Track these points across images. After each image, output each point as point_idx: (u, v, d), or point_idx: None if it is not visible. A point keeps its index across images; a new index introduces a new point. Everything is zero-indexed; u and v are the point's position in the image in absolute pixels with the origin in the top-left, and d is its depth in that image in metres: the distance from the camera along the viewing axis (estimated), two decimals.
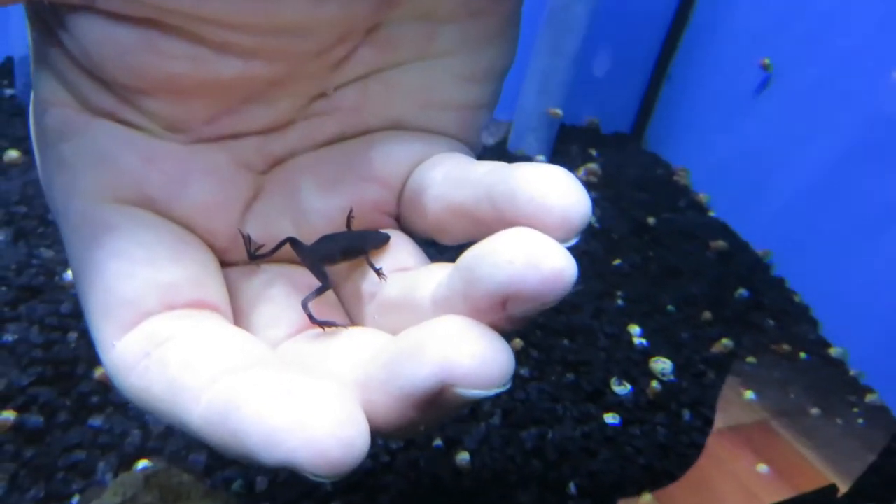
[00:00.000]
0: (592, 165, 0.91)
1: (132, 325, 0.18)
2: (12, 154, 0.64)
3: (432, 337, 0.15)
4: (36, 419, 0.42)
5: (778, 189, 0.81)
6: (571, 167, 0.94)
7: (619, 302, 0.67)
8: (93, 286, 0.19)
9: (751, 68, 0.86)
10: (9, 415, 0.41)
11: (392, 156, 0.23)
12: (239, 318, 0.21)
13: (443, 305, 0.17)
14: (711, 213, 0.90)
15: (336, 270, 0.22)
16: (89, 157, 0.20)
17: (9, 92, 0.75)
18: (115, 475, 0.40)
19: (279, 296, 0.21)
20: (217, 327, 0.18)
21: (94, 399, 0.45)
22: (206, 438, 0.16)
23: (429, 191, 0.21)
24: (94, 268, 0.19)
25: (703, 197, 0.93)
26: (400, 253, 0.22)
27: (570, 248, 0.16)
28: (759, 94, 0.87)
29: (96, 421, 0.43)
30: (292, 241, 0.21)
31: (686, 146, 1.00)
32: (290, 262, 0.22)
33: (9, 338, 0.46)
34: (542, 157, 0.91)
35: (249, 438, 0.14)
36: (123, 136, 0.20)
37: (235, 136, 0.22)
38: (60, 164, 0.20)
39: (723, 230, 0.86)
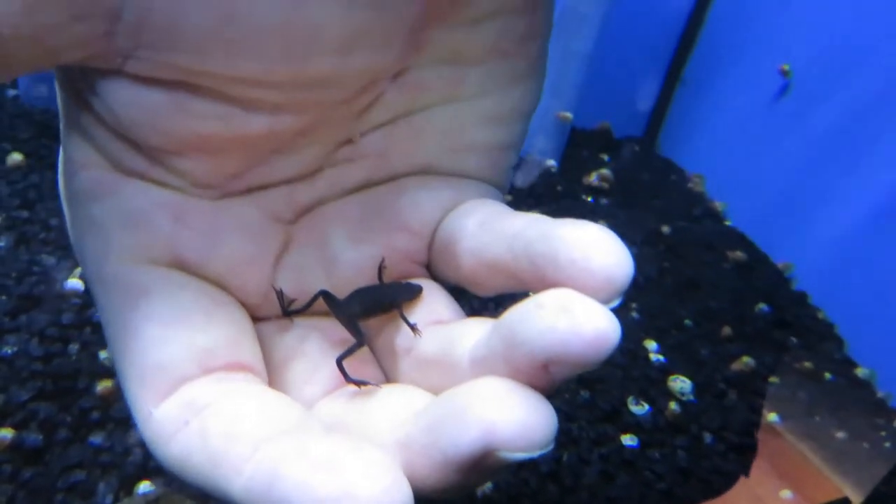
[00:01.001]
0: (604, 171, 0.89)
1: (169, 391, 0.18)
2: (16, 157, 0.63)
3: (475, 400, 0.15)
4: (35, 437, 0.40)
5: (798, 198, 0.79)
6: (583, 172, 0.92)
7: (635, 315, 0.65)
8: (127, 351, 0.19)
9: (770, 73, 0.84)
10: (7, 433, 0.40)
11: (421, 203, 0.23)
12: (273, 375, 0.20)
13: (482, 365, 0.17)
14: (728, 223, 0.88)
15: (370, 324, 0.21)
16: (121, 218, 0.20)
17: (12, 92, 0.73)
18: (116, 498, 0.39)
19: (313, 351, 0.21)
20: (255, 391, 0.18)
21: (95, 415, 0.43)
22: None
23: (462, 243, 0.20)
24: (128, 332, 0.19)
25: (719, 205, 0.91)
26: (434, 304, 0.21)
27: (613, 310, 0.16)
28: (778, 100, 0.85)
29: (97, 438, 0.42)
30: (325, 296, 0.21)
31: (701, 152, 0.98)
32: (323, 314, 0.22)
33: (7, 350, 0.45)
34: (552, 162, 0.89)
35: None
36: (154, 195, 0.20)
37: (263, 188, 0.22)
38: (91, 226, 0.20)
39: (741, 240, 0.84)
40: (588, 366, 0.15)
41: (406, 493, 0.14)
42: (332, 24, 0.17)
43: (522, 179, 0.63)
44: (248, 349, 0.20)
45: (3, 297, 0.49)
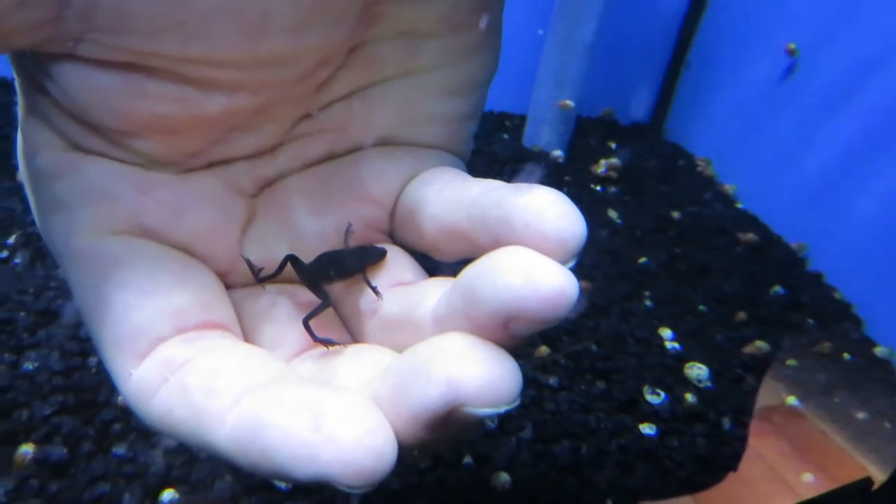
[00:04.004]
0: (613, 160, 0.88)
1: (146, 353, 0.18)
2: None
3: (438, 356, 0.15)
4: (60, 451, 0.41)
5: (810, 178, 0.78)
6: (590, 161, 0.92)
7: (648, 303, 0.65)
8: (102, 320, 0.19)
9: (775, 53, 0.83)
10: (31, 448, 0.41)
11: (382, 173, 0.23)
12: (244, 339, 0.21)
13: (444, 323, 0.17)
14: (739, 205, 0.87)
15: (335, 288, 0.22)
16: (84, 194, 0.20)
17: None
18: None
19: (282, 316, 0.21)
20: (231, 346, 0.19)
21: (117, 427, 0.44)
22: (234, 459, 0.16)
23: (423, 210, 0.21)
24: (101, 302, 0.19)
25: (729, 188, 0.90)
26: (397, 267, 0.22)
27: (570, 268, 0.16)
28: (784, 79, 0.84)
29: (120, 449, 0.42)
30: (292, 260, 0.22)
31: (709, 135, 0.97)
32: (292, 281, 0.22)
33: (29, 366, 0.46)
34: (559, 152, 0.88)
35: (280, 456, 0.14)
36: (115, 170, 0.20)
37: (225, 163, 0.22)
38: (55, 204, 0.20)
39: (752, 223, 0.83)
40: (547, 322, 0.15)
41: (389, 435, 0.14)
42: (283, 4, 0.17)
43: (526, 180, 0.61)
44: (222, 309, 0.20)
45: (23, 314, 0.50)
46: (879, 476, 0.50)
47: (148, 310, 0.18)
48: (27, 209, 0.61)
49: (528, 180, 0.18)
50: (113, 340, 0.18)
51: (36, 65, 0.18)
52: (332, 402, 0.15)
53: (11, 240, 0.57)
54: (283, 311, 0.22)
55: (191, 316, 0.19)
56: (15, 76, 0.20)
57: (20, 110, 0.21)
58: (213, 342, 0.19)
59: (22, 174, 0.22)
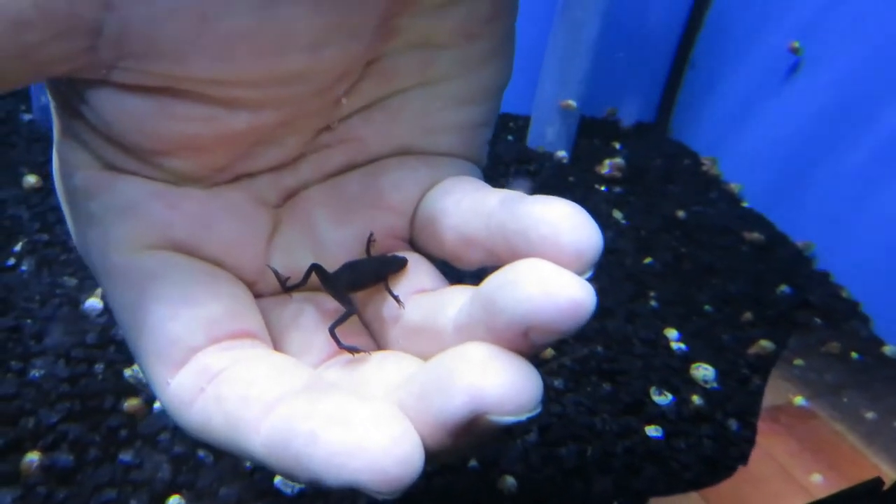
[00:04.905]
0: (617, 160, 0.88)
1: (182, 362, 0.19)
2: (31, 179, 0.64)
3: (462, 365, 0.16)
4: (66, 458, 0.41)
5: (815, 176, 0.78)
6: (594, 161, 0.91)
7: (653, 304, 0.65)
8: (140, 332, 0.20)
9: (779, 51, 0.83)
10: (38, 456, 0.41)
11: (401, 183, 0.24)
12: (273, 346, 0.21)
13: (465, 332, 0.18)
14: (745, 204, 0.87)
15: (359, 296, 0.22)
16: (117, 211, 0.21)
17: (27, 117, 0.75)
18: None
19: (308, 323, 0.22)
20: (263, 355, 0.19)
21: (124, 433, 0.44)
22: (270, 466, 0.16)
23: (442, 220, 0.22)
24: (138, 315, 0.20)
25: (734, 187, 0.89)
26: (419, 275, 0.22)
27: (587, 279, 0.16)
28: (789, 78, 0.83)
29: (126, 456, 0.43)
30: (317, 270, 0.22)
31: (713, 134, 0.97)
32: (317, 290, 0.23)
33: (35, 373, 0.46)
34: (563, 153, 0.88)
35: (312, 463, 0.15)
36: (146, 187, 0.21)
37: (249, 175, 0.23)
38: (91, 222, 0.21)
39: (758, 222, 0.82)
40: (566, 332, 0.15)
41: (415, 443, 0.15)
42: (302, 23, 0.18)
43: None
44: (251, 318, 0.21)
45: (29, 321, 0.50)
46: (890, 475, 0.50)
47: (182, 321, 0.19)
48: (33, 217, 0.61)
49: (522, 187, 0.18)
50: (151, 351, 0.19)
51: (70, 90, 0.19)
52: (360, 411, 0.15)
53: (18, 247, 0.57)
54: (309, 319, 0.22)
55: (223, 325, 0.20)
56: (50, 99, 0.21)
57: (55, 132, 0.21)
58: (245, 351, 0.19)
59: (59, 193, 0.23)
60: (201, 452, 0.43)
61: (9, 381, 0.45)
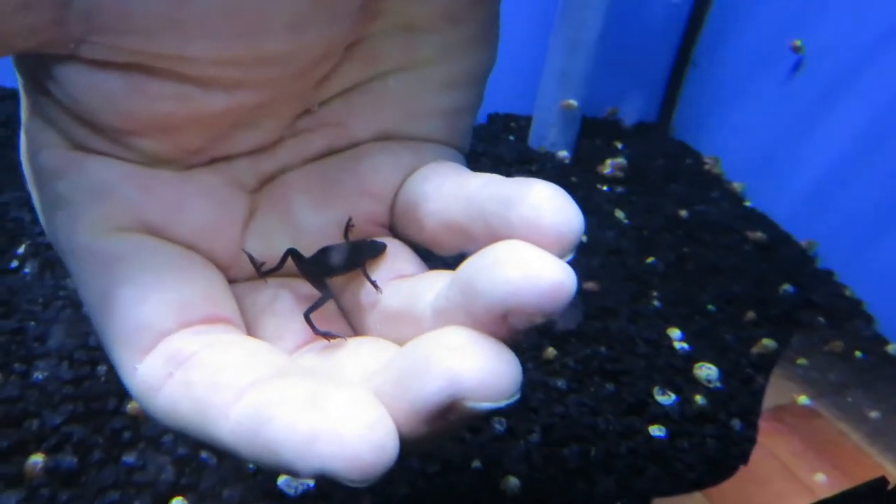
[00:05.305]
0: (619, 160, 0.88)
1: (151, 347, 0.18)
2: None
3: (438, 350, 0.15)
4: (70, 460, 0.41)
5: (818, 175, 0.78)
6: (596, 161, 0.91)
7: (656, 303, 0.65)
8: (107, 316, 0.19)
9: (781, 50, 0.83)
10: (41, 458, 0.41)
11: (381, 168, 0.23)
12: (247, 332, 0.21)
13: (444, 316, 0.17)
14: (747, 203, 0.87)
15: (336, 281, 0.22)
16: (87, 192, 0.20)
17: None
18: None
19: (284, 309, 0.22)
20: (235, 339, 0.19)
21: (127, 435, 0.44)
22: (238, 453, 0.16)
23: (422, 206, 0.21)
24: (106, 298, 0.19)
25: (737, 186, 0.89)
26: (397, 260, 0.22)
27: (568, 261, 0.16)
28: (791, 76, 0.83)
29: (130, 457, 0.43)
30: (293, 254, 0.22)
31: (716, 134, 0.97)
32: (293, 275, 0.22)
33: (39, 375, 0.46)
34: (564, 153, 0.88)
35: (283, 449, 0.15)
36: (118, 168, 0.20)
37: (226, 159, 0.22)
38: (59, 202, 0.20)
39: (761, 221, 0.82)
40: (546, 315, 0.15)
41: (390, 429, 0.14)
42: (282, 1, 0.17)
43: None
44: (225, 303, 0.20)
45: (32, 323, 0.50)
46: (894, 474, 0.50)
47: (152, 304, 0.18)
48: (36, 219, 0.61)
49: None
50: (118, 336, 0.18)
51: (38, 66, 0.18)
52: (333, 397, 0.15)
53: (21, 249, 0.57)
54: (284, 305, 0.22)
55: (195, 310, 0.19)
56: (17, 75, 0.20)
57: (23, 111, 0.21)
58: (217, 336, 0.19)
59: (26, 174, 0.22)
60: (204, 454, 0.43)
61: (12, 383, 0.45)
